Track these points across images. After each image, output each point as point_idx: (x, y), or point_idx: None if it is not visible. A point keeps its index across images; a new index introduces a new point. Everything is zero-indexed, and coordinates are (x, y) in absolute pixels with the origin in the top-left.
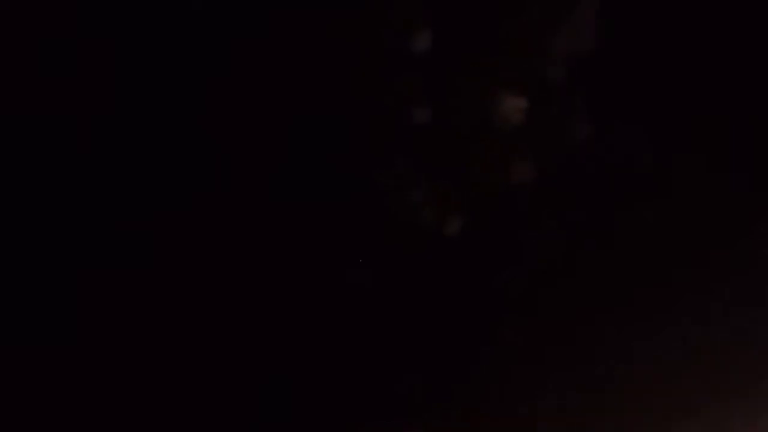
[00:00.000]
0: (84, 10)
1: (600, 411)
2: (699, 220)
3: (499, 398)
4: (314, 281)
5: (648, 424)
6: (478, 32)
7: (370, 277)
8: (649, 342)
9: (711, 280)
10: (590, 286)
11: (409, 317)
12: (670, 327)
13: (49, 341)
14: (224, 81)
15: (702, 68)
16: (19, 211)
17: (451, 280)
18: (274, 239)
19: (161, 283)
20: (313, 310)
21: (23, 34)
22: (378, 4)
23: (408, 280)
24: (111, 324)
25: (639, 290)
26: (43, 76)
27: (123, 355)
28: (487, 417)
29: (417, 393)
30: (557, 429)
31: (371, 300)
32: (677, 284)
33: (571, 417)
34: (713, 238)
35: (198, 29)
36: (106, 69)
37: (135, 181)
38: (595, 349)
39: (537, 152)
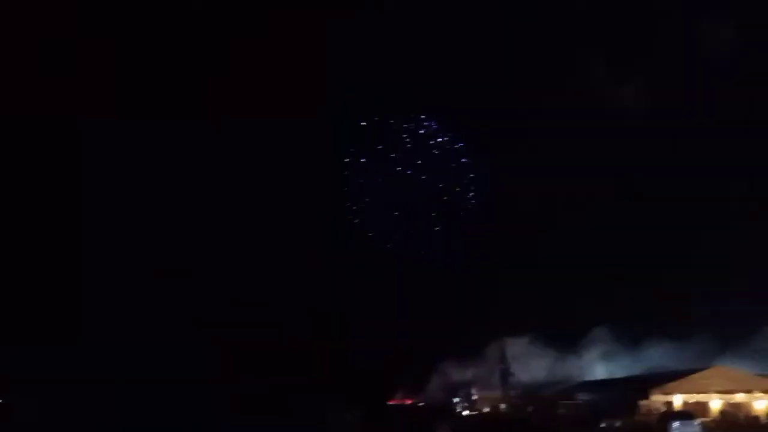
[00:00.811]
0: (84, 10)
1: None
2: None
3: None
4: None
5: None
6: None
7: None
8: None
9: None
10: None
11: (409, 317)
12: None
13: (49, 341)
14: (224, 81)
15: None
16: (18, 211)
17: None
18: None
19: (162, 283)
20: (312, 311)
21: (23, 34)
22: None
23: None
24: (110, 324)
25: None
26: (43, 76)
27: (123, 355)
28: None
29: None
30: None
31: (371, 300)
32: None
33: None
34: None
35: (198, 29)
36: (106, 69)
37: (135, 181)
38: None
39: None
